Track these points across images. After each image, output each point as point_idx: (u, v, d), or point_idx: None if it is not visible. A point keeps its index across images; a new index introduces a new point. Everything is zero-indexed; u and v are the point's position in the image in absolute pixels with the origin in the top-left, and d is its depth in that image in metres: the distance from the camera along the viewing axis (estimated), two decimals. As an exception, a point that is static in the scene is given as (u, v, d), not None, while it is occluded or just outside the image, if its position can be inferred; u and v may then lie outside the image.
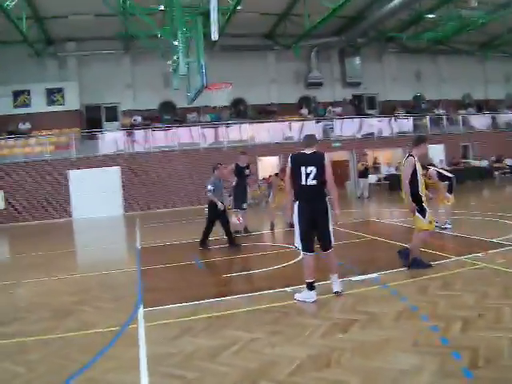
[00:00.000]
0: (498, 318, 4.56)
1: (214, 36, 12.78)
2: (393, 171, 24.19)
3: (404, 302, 5.33)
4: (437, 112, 27.93)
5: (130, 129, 22.43)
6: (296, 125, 23.71)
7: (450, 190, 10.35)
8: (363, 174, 20.53)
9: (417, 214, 6.64)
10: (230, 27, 20.30)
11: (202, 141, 22.16)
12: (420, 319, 4.72)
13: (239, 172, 11.74)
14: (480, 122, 27.75)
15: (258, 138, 22.52)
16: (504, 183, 23.75)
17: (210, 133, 22.47)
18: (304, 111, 25.67)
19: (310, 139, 5.96)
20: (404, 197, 6.72)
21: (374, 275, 6.53)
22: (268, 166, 22.91)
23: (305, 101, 26.98)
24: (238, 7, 17.79)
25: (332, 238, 5.78)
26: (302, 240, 5.74)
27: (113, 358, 4.26)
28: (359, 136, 24.48)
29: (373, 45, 27.57)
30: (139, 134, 22.21)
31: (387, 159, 26.16)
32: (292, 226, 11.84)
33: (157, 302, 5.93)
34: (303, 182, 5.65)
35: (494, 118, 28.23)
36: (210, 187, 9.94)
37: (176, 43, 10.54)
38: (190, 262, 8.55)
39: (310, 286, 5.70)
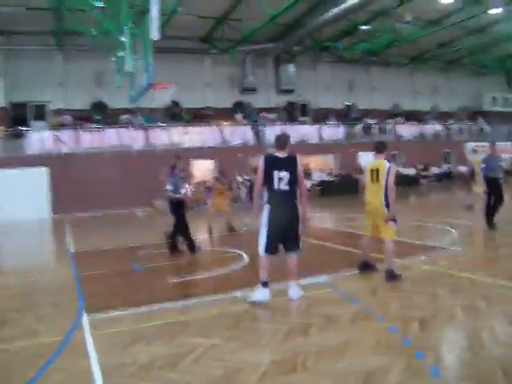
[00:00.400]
0: (451, 317, 4.73)
1: (154, 35, 12.47)
2: (324, 177, 24.85)
3: (357, 304, 5.38)
4: (368, 121, 29.02)
5: (58, 128, 21.27)
6: (231, 129, 23.67)
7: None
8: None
9: (391, 222, 6.33)
10: (167, 29, 19.91)
11: (135, 143, 21.49)
12: (376, 321, 4.78)
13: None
14: (408, 131, 29.20)
15: (192, 142, 22.21)
16: (430, 190, 25.22)
17: (142, 135, 21.80)
18: (239, 116, 25.71)
19: (284, 141, 5.76)
20: (379, 204, 6.37)
21: (323, 278, 6.57)
22: (202, 169, 22.67)
23: (239, 106, 27.05)
24: (179, 8, 17.45)
25: (300, 243, 5.75)
26: (267, 242, 5.61)
27: (62, 371, 3.92)
28: (292, 142, 24.77)
29: (308, 53, 28.19)
30: (68, 134, 21.12)
31: (319, 165, 26.78)
32: (232, 230, 11.95)
33: (101, 309, 5.58)
34: (275, 187, 5.54)
35: (421, 129, 29.80)
36: (168, 187, 9.42)
37: (123, 39, 10.04)
38: (130, 267, 8.18)
39: (265, 284, 5.62)
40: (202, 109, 25.21)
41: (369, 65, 30.95)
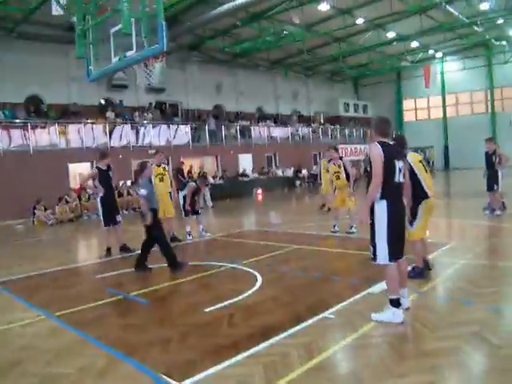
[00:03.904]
0: None
1: (57, 10, 10.14)
2: (211, 181, 23.69)
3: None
4: (239, 123, 28.69)
5: None
6: (109, 129, 20.99)
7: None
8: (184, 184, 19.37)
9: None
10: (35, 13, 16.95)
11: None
12: None
13: (105, 178, 9.30)
14: (281, 134, 29.68)
15: (67, 142, 19.11)
16: (304, 191, 25.91)
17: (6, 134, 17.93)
18: (110, 114, 23.02)
19: (389, 125, 4.82)
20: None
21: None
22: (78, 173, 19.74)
23: (109, 103, 24.31)
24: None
25: None
26: (390, 245, 4.59)
27: None
28: (168, 144, 23.12)
29: (178, 52, 26.69)
30: None
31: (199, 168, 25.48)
32: (174, 240, 10.16)
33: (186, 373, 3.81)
34: (396, 179, 4.61)
35: (292, 132, 30.56)
36: (143, 191, 7.48)
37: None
38: (114, 297, 6.12)
39: (397, 302, 4.62)
40: (69, 105, 21.92)
41: (235, 67, 30.80)
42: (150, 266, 7.55)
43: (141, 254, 7.56)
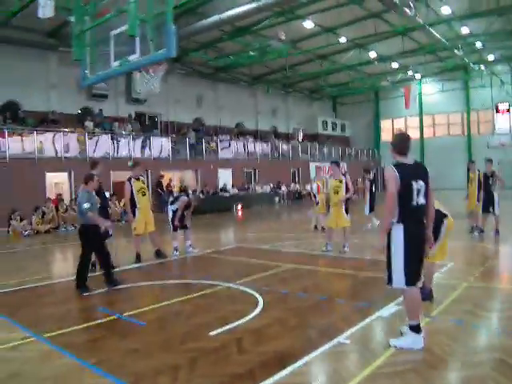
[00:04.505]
0: None
1: (44, 13, 9.82)
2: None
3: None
4: (219, 138, 28.43)
5: None
6: (86, 138, 20.38)
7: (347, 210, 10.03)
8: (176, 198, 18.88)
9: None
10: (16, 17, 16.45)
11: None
12: None
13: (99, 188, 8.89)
14: (260, 150, 29.53)
15: (45, 151, 18.43)
16: (284, 207, 25.76)
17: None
18: (89, 124, 22.43)
19: (408, 143, 4.56)
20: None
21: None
22: (58, 183, 19.09)
23: (88, 112, 23.71)
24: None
25: None
26: (408, 270, 4.37)
27: None
28: (147, 157, 22.61)
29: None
30: None
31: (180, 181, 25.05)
32: (159, 255, 9.77)
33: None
34: (414, 202, 4.37)
35: (273, 148, 30.45)
36: (86, 205, 7.06)
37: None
38: (110, 318, 5.70)
39: (417, 328, 4.41)
40: (48, 113, 21.25)
41: (217, 81, 30.68)
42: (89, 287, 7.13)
43: (79, 273, 7.12)
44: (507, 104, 31.21)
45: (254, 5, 15.77)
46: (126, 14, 5.41)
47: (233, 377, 3.93)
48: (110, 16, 5.82)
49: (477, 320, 5.28)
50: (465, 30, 22.96)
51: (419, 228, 4.47)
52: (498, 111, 31.63)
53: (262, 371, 4.00)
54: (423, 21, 18.47)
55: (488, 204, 11.23)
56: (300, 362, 4.14)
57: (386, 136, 40.22)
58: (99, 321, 5.55)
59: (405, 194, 4.31)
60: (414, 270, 4.42)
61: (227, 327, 5.17)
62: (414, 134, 38.07)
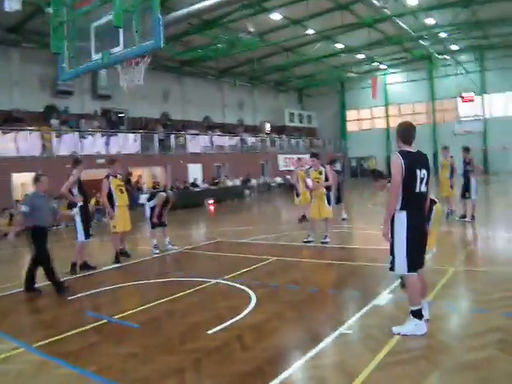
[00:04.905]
0: None
1: (10, 6, 9.38)
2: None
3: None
4: (188, 132, 28.05)
5: None
6: (50, 136, 19.69)
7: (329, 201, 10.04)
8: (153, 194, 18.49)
9: None
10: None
11: None
12: None
13: (81, 186, 8.57)
14: (228, 143, 29.32)
15: (8, 150, 17.72)
16: (255, 200, 25.68)
17: None
18: (54, 122, 21.71)
19: (413, 131, 4.60)
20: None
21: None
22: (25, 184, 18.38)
23: (53, 110, 22.93)
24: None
25: None
26: (409, 257, 4.43)
27: None
28: (123, 152, 22.17)
29: (125, 57, 25.75)
30: None
31: (151, 178, 24.64)
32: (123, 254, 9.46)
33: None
34: (417, 189, 4.43)
35: (241, 141, 30.27)
36: (24, 208, 6.92)
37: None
38: (100, 323, 5.47)
39: (419, 313, 4.45)
40: (11, 111, 20.44)
41: (184, 75, 30.24)
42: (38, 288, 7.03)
43: (28, 274, 6.99)
44: (472, 92, 31.96)
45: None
46: (107, 5, 5.16)
47: (242, 375, 3.84)
48: (92, 7, 5.54)
49: (470, 303, 5.38)
50: (430, 21, 23.36)
51: (421, 215, 4.55)
52: (462, 100, 32.32)
53: (270, 368, 3.94)
54: (390, 12, 18.65)
55: (465, 190, 11.48)
56: (307, 356, 4.09)
57: (353, 127, 40.68)
58: (89, 326, 5.31)
59: (409, 181, 4.35)
60: (415, 257, 4.47)
61: (225, 324, 5.06)
62: (380, 125, 38.74)
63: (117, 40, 5.28)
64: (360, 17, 22.54)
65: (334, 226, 10.93)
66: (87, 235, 8.40)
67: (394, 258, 4.54)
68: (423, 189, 4.46)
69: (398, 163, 4.36)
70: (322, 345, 4.32)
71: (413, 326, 4.43)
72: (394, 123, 37.90)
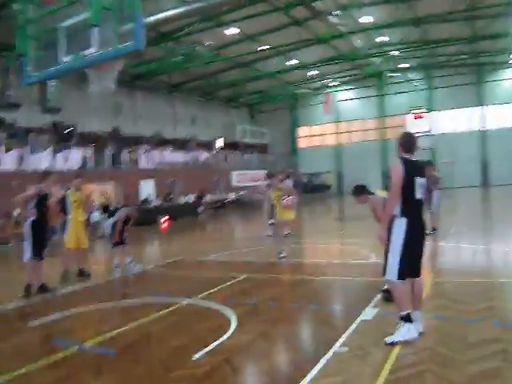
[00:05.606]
0: None
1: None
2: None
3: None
4: (139, 148, 27.31)
5: None
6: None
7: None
8: (105, 210, 17.71)
9: None
10: None
11: None
12: None
13: (40, 201, 7.90)
14: (181, 159, 28.82)
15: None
16: (210, 217, 25.14)
17: None
18: (2, 135, 20.52)
19: (415, 142, 4.73)
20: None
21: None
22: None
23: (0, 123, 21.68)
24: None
25: None
26: (401, 265, 4.43)
27: None
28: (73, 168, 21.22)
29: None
30: None
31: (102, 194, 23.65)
32: (82, 274, 8.85)
33: None
34: (416, 196, 4.53)
35: (193, 157, 29.83)
36: None
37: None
38: (71, 351, 4.92)
39: (408, 318, 4.45)
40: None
41: (134, 89, 29.58)
42: None
43: None
44: (423, 109, 32.99)
45: (180, 10, 15.29)
46: (80, 3, 4.79)
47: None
48: (65, 5, 5.11)
49: (460, 314, 5.32)
50: (383, 39, 24.10)
51: (420, 223, 4.59)
52: (414, 116, 33.23)
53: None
54: (345, 29, 19.06)
55: (427, 203, 11.65)
56: (308, 378, 3.83)
57: (304, 143, 41.13)
58: (58, 356, 4.74)
59: (408, 188, 4.42)
60: (408, 265, 4.46)
61: (209, 348, 4.70)
62: (330, 141, 39.32)
63: (89, 41, 4.88)
64: (315, 33, 22.91)
65: (292, 241, 10.82)
66: (35, 254, 7.71)
67: (386, 262, 4.54)
68: (421, 196, 4.55)
69: (399, 170, 4.44)
70: (320, 365, 4.08)
71: (406, 330, 4.42)
72: (345, 140, 38.78)
